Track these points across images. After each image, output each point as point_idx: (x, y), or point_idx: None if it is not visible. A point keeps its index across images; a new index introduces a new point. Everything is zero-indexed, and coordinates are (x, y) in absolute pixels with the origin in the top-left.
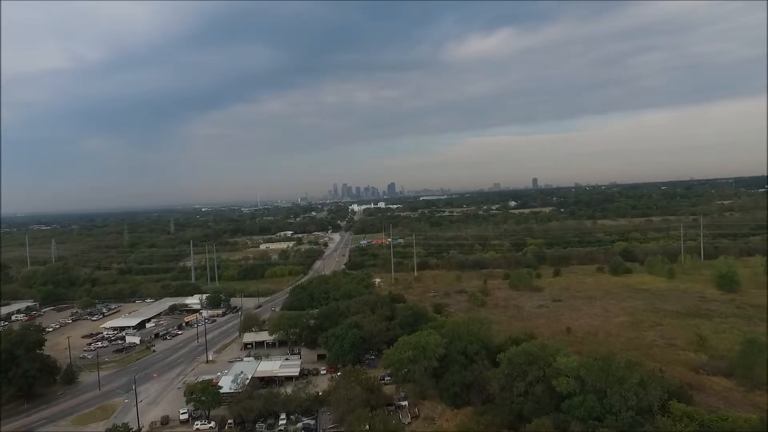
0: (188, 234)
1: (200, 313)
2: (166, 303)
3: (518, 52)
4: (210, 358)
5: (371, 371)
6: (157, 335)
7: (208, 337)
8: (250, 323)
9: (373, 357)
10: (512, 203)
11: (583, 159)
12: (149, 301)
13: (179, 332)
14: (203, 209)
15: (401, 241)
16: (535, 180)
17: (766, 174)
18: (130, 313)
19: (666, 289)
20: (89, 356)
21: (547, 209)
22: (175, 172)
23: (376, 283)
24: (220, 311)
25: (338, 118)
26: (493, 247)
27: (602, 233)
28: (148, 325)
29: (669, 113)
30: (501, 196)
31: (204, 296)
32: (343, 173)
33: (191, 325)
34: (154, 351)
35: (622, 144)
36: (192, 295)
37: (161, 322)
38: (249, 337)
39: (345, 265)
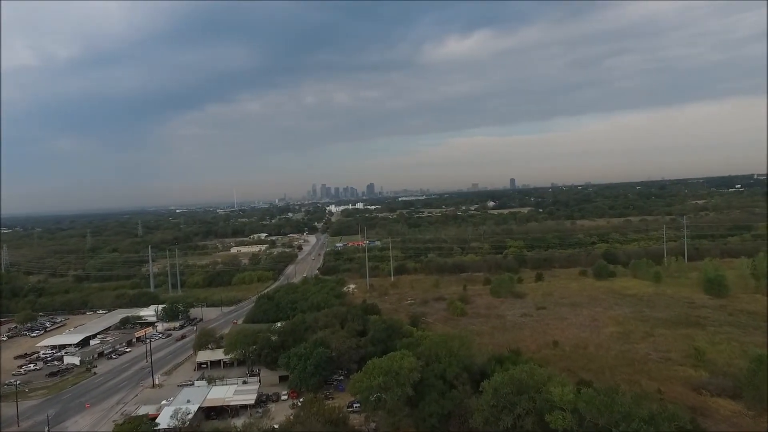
0: (156, 237)
1: (154, 327)
2: (118, 315)
3: (496, 53)
4: (157, 381)
5: (339, 395)
6: (101, 354)
7: (161, 354)
8: (206, 339)
9: (342, 378)
10: (491, 203)
11: (559, 159)
12: (101, 312)
13: (128, 350)
14: (177, 210)
15: (378, 243)
16: (512, 180)
17: (736, 174)
18: (75, 327)
19: (653, 294)
20: (17, 381)
21: (525, 209)
22: (151, 173)
23: (350, 289)
24: (177, 324)
25: (318, 118)
26: (473, 249)
27: (582, 234)
28: (93, 342)
29: (642, 114)
30: (479, 196)
31: (160, 307)
32: (323, 174)
33: (143, 341)
34: (94, 373)
35: (597, 144)
36: (148, 306)
37: (108, 339)
38: (204, 356)
39: (318, 269)
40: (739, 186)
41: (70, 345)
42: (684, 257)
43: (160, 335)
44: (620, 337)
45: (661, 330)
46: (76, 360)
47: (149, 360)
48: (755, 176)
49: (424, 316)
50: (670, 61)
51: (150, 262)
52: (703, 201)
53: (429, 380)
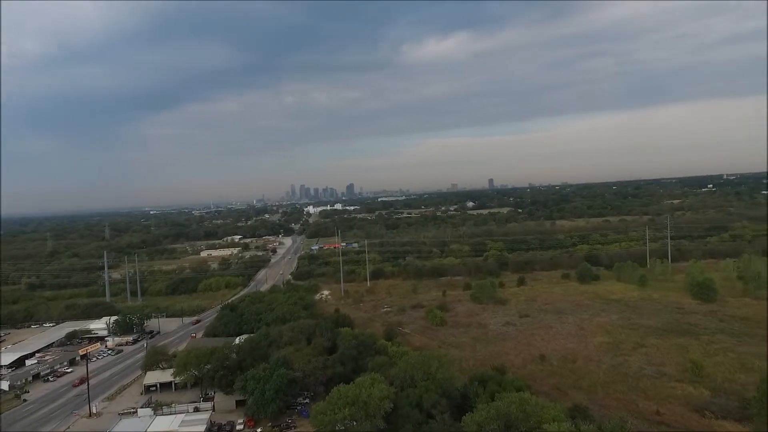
0: (123, 240)
1: (104, 342)
2: (65, 329)
3: (474, 55)
4: (95, 410)
5: (303, 421)
6: (36, 376)
7: (106, 375)
8: (157, 358)
9: (307, 401)
10: (470, 204)
11: (536, 160)
12: (48, 326)
13: (69, 370)
14: (151, 212)
15: (355, 245)
16: (491, 180)
17: (706, 174)
18: (15, 343)
19: (639, 299)
20: None
21: (504, 210)
22: (126, 174)
23: (324, 296)
24: (130, 338)
25: (297, 118)
26: (452, 251)
27: (563, 235)
28: (29, 362)
29: (618, 116)
30: (459, 196)
31: (112, 319)
32: (302, 174)
33: (90, 359)
34: (24, 401)
35: (573, 145)
36: (100, 318)
37: (47, 357)
38: (152, 377)
39: (291, 274)
40: (711, 186)
41: (2, 366)
42: (668, 259)
43: (109, 352)
44: (610, 349)
45: (653, 339)
46: (5, 385)
47: (99, 383)
48: (725, 176)
49: (401, 325)
50: (645, 63)
51: (106, 268)
52: (679, 201)
53: (403, 409)
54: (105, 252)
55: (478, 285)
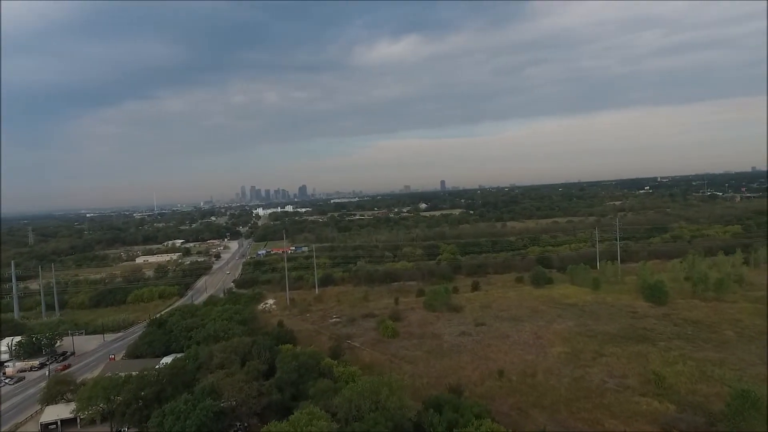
0: (50, 246)
1: (3, 368)
2: None
3: (425, 58)
4: None
5: None
6: None
7: (3, 407)
8: (59, 389)
9: None
10: (423, 205)
11: (485, 162)
12: None
13: None
14: (88, 215)
15: (305, 249)
16: (443, 182)
17: (642, 177)
18: None
19: (593, 302)
20: None
21: (456, 211)
22: (61, 174)
23: (268, 306)
24: (36, 362)
25: (247, 118)
26: (405, 255)
27: (514, 236)
28: None
29: (560, 120)
30: (412, 198)
31: (14, 340)
32: (253, 175)
33: None
34: None
35: (520, 148)
36: (2, 338)
37: None
38: (52, 413)
39: (234, 282)
40: (648, 188)
41: None
42: (618, 260)
43: (6, 380)
44: (570, 359)
45: (611, 348)
46: None
47: None
48: (659, 178)
49: (350, 338)
50: (583, 71)
51: (13, 278)
52: (620, 202)
53: None
54: (12, 262)
55: (431, 291)
